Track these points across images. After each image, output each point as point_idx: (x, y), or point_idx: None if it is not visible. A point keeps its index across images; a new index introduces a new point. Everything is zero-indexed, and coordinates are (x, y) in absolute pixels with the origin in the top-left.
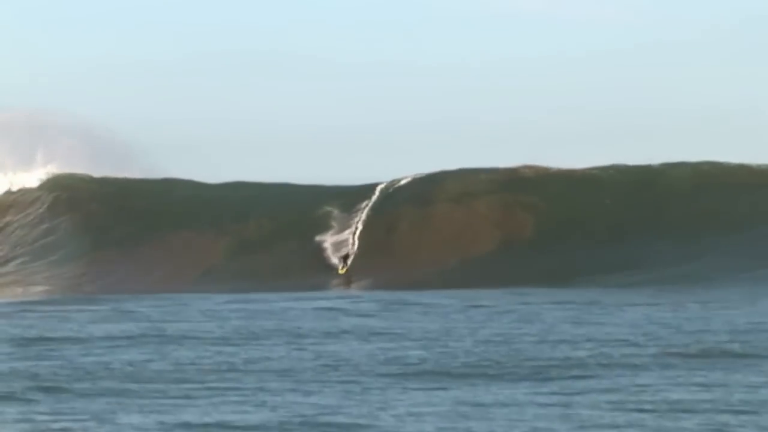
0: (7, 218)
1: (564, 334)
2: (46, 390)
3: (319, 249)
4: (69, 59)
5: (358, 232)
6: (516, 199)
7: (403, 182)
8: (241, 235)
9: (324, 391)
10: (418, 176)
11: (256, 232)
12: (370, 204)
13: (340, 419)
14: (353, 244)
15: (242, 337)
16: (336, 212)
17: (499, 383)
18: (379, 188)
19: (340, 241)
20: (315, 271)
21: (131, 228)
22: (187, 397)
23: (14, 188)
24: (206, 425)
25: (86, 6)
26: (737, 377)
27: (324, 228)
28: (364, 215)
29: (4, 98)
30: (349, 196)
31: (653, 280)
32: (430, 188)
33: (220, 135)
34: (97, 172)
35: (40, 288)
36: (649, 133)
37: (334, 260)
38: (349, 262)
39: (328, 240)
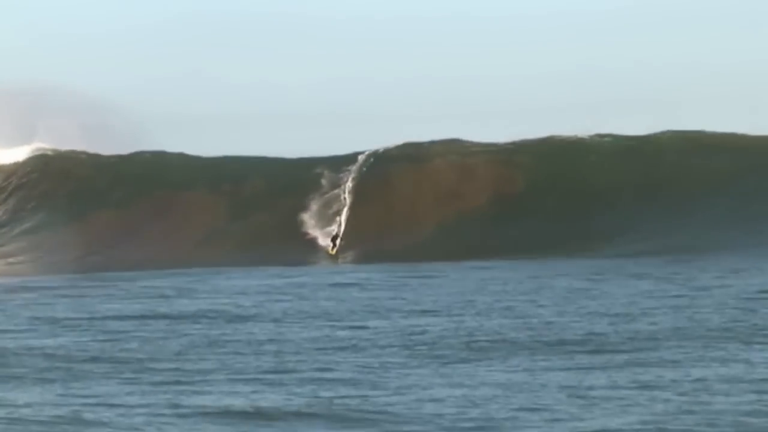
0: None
1: (579, 307)
2: (61, 370)
3: (311, 214)
4: (63, 31)
5: (348, 189)
6: (506, 165)
7: (391, 148)
8: (238, 198)
9: (342, 369)
10: (406, 143)
11: (252, 195)
12: (359, 164)
13: (357, 402)
14: (344, 201)
15: (258, 315)
16: (327, 173)
17: (517, 359)
18: (366, 153)
19: (331, 201)
20: (313, 235)
21: (128, 192)
22: (203, 372)
23: (8, 160)
24: (225, 409)
25: None
26: (756, 351)
27: (315, 191)
28: (354, 174)
29: None
30: (339, 162)
31: (658, 249)
32: (418, 153)
33: (207, 110)
34: (90, 148)
35: (47, 260)
36: (639, 101)
37: (324, 240)
38: (338, 242)
39: (315, 204)
